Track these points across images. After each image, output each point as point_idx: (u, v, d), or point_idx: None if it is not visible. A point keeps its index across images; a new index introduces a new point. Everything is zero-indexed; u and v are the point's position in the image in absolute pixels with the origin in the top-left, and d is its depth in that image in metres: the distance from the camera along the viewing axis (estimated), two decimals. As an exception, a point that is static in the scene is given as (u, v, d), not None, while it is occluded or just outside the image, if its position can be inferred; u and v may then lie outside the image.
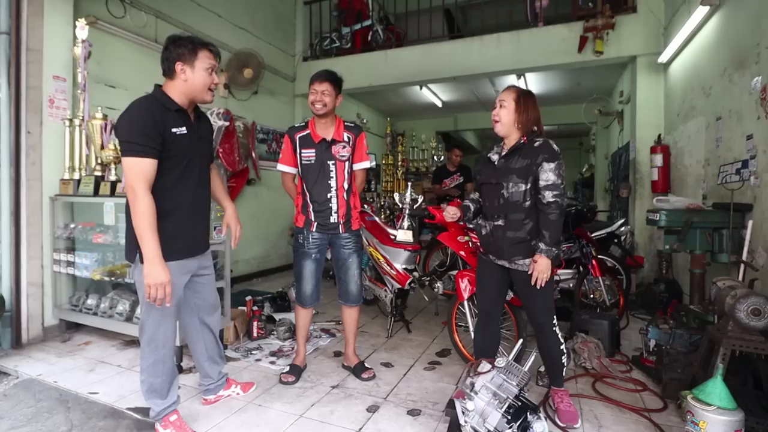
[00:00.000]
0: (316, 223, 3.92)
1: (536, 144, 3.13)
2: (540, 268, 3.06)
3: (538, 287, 3.11)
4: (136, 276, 2.95)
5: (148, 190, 2.74)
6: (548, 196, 3.05)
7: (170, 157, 2.86)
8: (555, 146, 3.12)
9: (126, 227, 2.96)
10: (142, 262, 2.82)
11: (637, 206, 7.38)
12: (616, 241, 6.24)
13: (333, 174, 3.92)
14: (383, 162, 11.31)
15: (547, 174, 3.05)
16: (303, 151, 3.91)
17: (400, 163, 11.49)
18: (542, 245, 3.06)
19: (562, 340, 3.34)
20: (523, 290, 3.29)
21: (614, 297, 5.53)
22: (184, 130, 2.93)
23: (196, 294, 3.32)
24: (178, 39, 2.95)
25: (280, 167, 4.06)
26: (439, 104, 12.74)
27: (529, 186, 3.12)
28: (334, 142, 3.93)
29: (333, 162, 3.91)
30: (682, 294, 5.70)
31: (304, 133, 3.93)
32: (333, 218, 3.93)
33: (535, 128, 3.22)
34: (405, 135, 12.39)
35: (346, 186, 3.98)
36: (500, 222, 3.23)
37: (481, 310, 3.59)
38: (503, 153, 3.27)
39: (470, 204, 3.63)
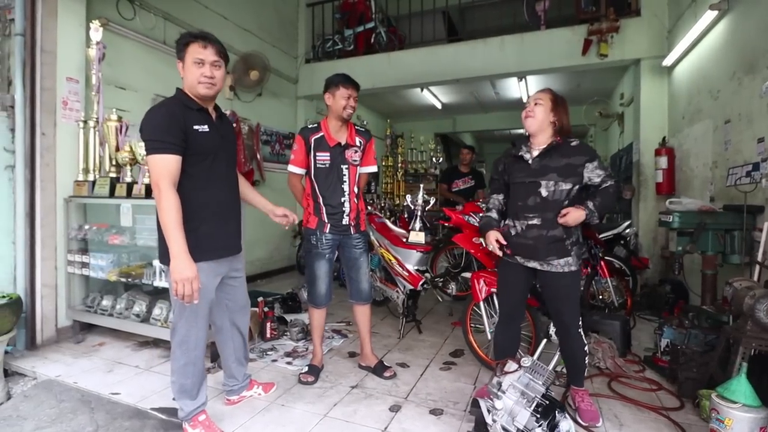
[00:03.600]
0: (329, 225, 3.95)
1: (573, 144, 3.21)
2: (573, 215, 3.08)
3: (560, 221, 3.14)
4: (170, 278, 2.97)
5: (173, 186, 2.75)
6: (608, 182, 3.19)
7: (194, 154, 2.89)
8: (589, 145, 3.22)
9: (158, 229, 2.96)
10: None
11: (641, 208, 7.43)
12: (622, 242, 6.28)
13: (346, 178, 3.97)
14: (383, 164, 11.32)
15: (597, 171, 3.18)
16: (318, 154, 3.93)
17: (399, 165, 11.50)
18: (590, 204, 3.12)
19: (586, 342, 3.37)
20: (551, 291, 3.31)
21: (621, 298, 5.57)
22: (206, 128, 2.95)
23: (228, 296, 3.35)
24: (180, 36, 2.98)
25: (292, 168, 4.05)
26: (439, 106, 12.80)
27: (571, 186, 3.16)
28: (347, 146, 3.99)
29: (346, 166, 3.97)
30: (688, 294, 5.74)
31: (319, 136, 3.96)
32: (345, 220, 3.99)
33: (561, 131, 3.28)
34: (404, 137, 12.40)
35: (356, 190, 4.06)
36: (535, 221, 3.22)
37: (503, 313, 3.61)
38: (536, 152, 3.29)
39: (495, 214, 3.57)
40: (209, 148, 2.97)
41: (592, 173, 3.17)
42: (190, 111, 2.92)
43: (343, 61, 9.46)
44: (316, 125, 4.04)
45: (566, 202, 3.18)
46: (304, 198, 4.12)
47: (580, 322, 3.34)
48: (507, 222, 3.45)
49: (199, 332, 3.04)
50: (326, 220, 3.95)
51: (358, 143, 4.05)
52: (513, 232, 3.36)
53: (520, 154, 3.36)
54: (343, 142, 3.97)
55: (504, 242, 3.34)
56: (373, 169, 4.25)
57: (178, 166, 2.80)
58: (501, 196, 3.57)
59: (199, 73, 2.92)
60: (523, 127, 3.35)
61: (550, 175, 3.18)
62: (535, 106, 3.27)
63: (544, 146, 3.25)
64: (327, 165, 3.92)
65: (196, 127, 2.89)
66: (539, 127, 3.26)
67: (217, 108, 3.19)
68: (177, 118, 2.82)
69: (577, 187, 3.19)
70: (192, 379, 3.06)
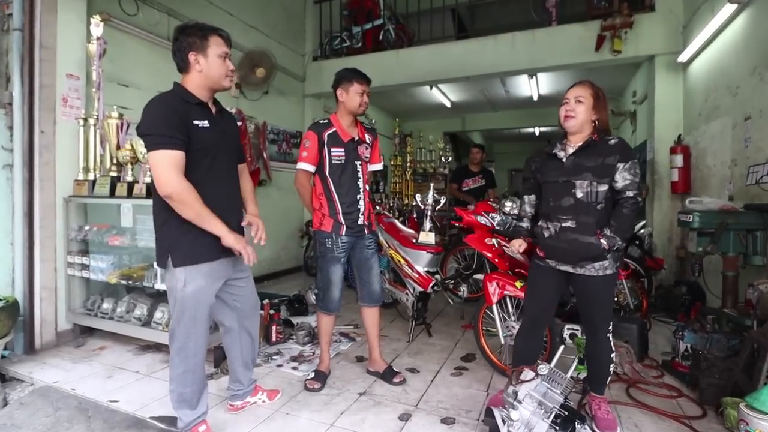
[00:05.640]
0: (345, 226, 3.80)
1: (611, 142, 3.01)
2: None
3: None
4: (167, 282, 2.87)
5: (184, 178, 2.66)
6: (629, 193, 2.96)
7: (195, 150, 2.76)
8: (629, 145, 3.04)
9: (155, 231, 2.88)
10: (174, 266, 2.75)
11: (655, 207, 7.26)
12: (636, 242, 6.14)
13: (360, 175, 3.85)
14: (392, 163, 11.18)
15: (624, 174, 2.95)
16: (333, 149, 3.78)
17: (408, 164, 11.37)
18: (607, 231, 2.94)
19: (614, 349, 3.19)
20: (584, 295, 3.14)
21: (637, 299, 5.43)
22: (206, 123, 2.84)
23: (235, 297, 3.22)
24: (186, 28, 2.86)
25: (303, 165, 3.83)
26: (448, 104, 12.66)
27: (607, 187, 2.99)
28: (360, 142, 3.87)
29: (360, 162, 3.85)
30: (705, 296, 5.59)
31: (332, 131, 3.81)
32: (360, 220, 3.85)
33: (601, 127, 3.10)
34: (412, 136, 12.28)
35: (368, 187, 3.94)
36: (569, 224, 3.04)
37: (529, 317, 3.41)
38: (571, 150, 3.10)
39: (526, 223, 3.48)
40: (210, 144, 2.85)
41: (619, 175, 2.97)
42: (190, 105, 2.81)
43: (351, 59, 9.26)
44: (327, 121, 3.88)
45: (601, 205, 3.00)
46: (315, 198, 3.94)
47: (611, 327, 3.15)
48: (539, 223, 3.26)
49: (198, 338, 2.90)
50: (342, 221, 3.80)
51: (368, 140, 3.95)
52: (546, 234, 3.16)
53: (554, 151, 3.18)
54: (356, 138, 3.86)
55: (526, 246, 3.38)
56: (381, 166, 4.15)
57: (183, 161, 2.69)
58: (533, 197, 3.43)
59: (226, 67, 2.91)
60: (562, 126, 3.14)
61: (584, 175, 2.99)
62: (576, 104, 3.05)
63: (580, 144, 3.07)
64: (342, 161, 3.78)
65: (196, 122, 2.78)
66: (580, 127, 3.07)
67: (216, 102, 3.08)
68: (178, 111, 2.70)
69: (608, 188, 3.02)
70: (191, 388, 2.93)
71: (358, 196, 3.83)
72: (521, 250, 3.43)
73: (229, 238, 2.78)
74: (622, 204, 2.98)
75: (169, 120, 2.65)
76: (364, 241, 3.94)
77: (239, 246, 2.79)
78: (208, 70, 2.84)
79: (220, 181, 2.95)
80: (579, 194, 3.00)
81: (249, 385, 3.48)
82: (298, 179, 3.92)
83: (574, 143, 3.11)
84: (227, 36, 2.95)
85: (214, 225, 2.73)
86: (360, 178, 3.84)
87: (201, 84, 2.87)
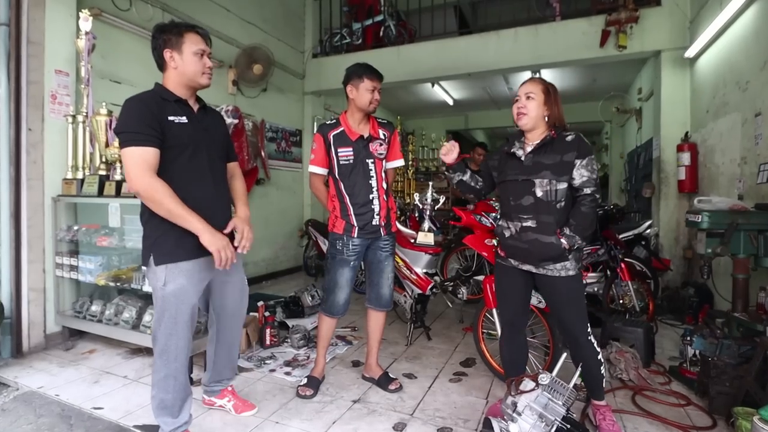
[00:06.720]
0: (357, 228, 3.66)
1: (568, 138, 2.95)
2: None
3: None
4: (150, 281, 2.78)
5: (155, 175, 2.59)
6: (586, 190, 2.91)
7: (170, 147, 2.70)
8: (586, 141, 2.98)
9: (142, 228, 2.82)
10: (156, 264, 2.66)
11: (661, 206, 7.10)
12: (642, 243, 5.99)
13: (373, 173, 3.70)
14: (393, 161, 11.10)
15: (581, 171, 2.90)
16: (339, 150, 3.65)
17: (410, 163, 11.27)
18: (567, 230, 2.88)
19: (599, 349, 3.08)
20: (552, 298, 3.07)
21: (643, 302, 5.28)
22: (183, 119, 2.77)
23: (219, 301, 3.13)
24: (164, 26, 2.83)
25: (313, 169, 3.77)
26: (451, 102, 12.55)
27: (566, 185, 2.92)
28: (371, 138, 3.72)
29: (372, 160, 3.69)
30: (713, 298, 5.44)
31: (338, 131, 3.69)
32: (375, 221, 3.70)
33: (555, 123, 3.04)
34: (414, 134, 12.17)
35: (385, 186, 3.78)
36: (530, 223, 2.97)
37: (504, 321, 3.35)
38: (530, 148, 3.03)
39: (468, 172, 3.37)
40: (186, 141, 2.76)
41: (577, 172, 2.91)
42: (167, 103, 2.74)
43: (351, 56, 9.15)
44: (334, 121, 3.77)
45: (561, 204, 2.94)
46: (329, 200, 3.84)
47: (589, 329, 3.06)
48: (500, 223, 3.20)
49: (179, 341, 2.78)
50: (354, 223, 3.67)
51: (382, 136, 3.78)
52: (507, 234, 3.10)
53: (512, 150, 3.11)
54: (366, 135, 3.71)
55: (456, 152, 3.28)
56: (401, 162, 3.99)
57: (156, 159, 2.61)
58: (478, 178, 3.38)
59: (202, 64, 2.86)
60: (516, 124, 3.10)
61: (543, 173, 2.93)
62: (527, 100, 3.01)
63: (538, 141, 3.01)
64: (351, 160, 3.65)
65: (171, 118, 2.70)
66: (534, 124, 3.02)
67: (199, 100, 2.99)
68: (152, 109, 2.64)
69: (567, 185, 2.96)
70: (173, 395, 2.80)
71: (372, 196, 3.68)
72: (450, 157, 3.28)
73: (205, 236, 2.65)
74: (580, 201, 2.93)
75: (141, 117, 2.59)
76: (379, 242, 3.80)
77: (214, 246, 2.65)
78: (184, 67, 2.78)
79: (203, 178, 2.85)
80: (539, 193, 2.94)
81: (217, 384, 3.44)
82: (311, 183, 3.89)
83: (531, 141, 3.06)
84: (205, 33, 2.89)
85: (189, 222, 2.63)
86: (373, 176, 3.68)
87: (178, 81, 2.81)
